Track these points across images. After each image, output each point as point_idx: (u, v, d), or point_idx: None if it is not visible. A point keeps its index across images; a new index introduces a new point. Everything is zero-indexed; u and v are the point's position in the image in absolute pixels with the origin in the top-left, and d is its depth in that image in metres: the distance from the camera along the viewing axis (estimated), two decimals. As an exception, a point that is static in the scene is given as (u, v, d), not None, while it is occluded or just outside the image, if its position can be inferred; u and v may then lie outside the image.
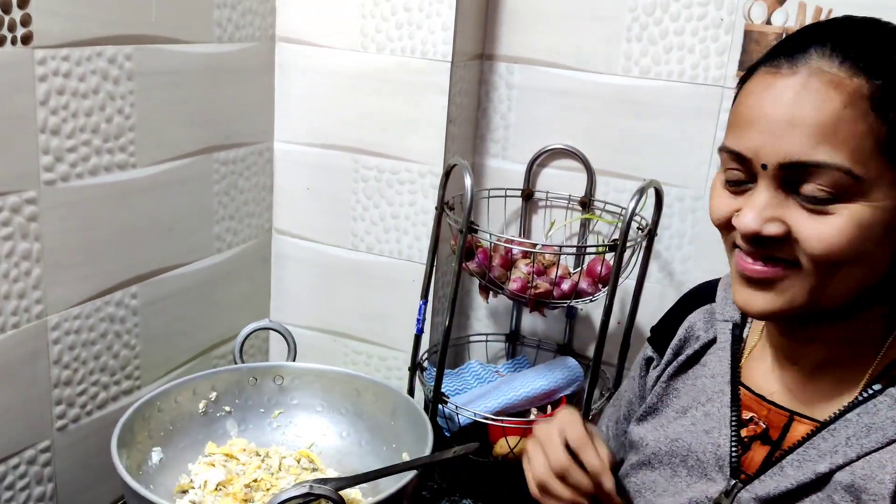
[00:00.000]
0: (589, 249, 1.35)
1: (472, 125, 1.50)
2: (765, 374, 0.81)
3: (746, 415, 0.79)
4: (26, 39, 0.98)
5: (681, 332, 0.90)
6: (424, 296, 1.37)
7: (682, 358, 0.88)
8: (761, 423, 0.78)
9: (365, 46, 1.39)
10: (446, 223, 1.32)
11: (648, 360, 0.95)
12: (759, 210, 0.68)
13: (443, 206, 1.31)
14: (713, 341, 0.86)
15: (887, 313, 0.74)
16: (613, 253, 1.20)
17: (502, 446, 1.32)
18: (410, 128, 1.40)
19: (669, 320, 0.94)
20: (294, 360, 1.30)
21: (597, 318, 1.50)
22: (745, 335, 0.86)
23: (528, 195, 1.49)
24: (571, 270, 1.37)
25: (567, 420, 0.82)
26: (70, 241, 1.10)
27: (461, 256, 1.25)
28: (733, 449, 0.78)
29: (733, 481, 0.77)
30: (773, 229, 0.68)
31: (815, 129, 0.65)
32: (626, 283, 1.28)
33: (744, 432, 0.78)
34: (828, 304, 0.70)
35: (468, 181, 1.20)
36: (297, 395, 1.28)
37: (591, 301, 1.32)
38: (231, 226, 1.43)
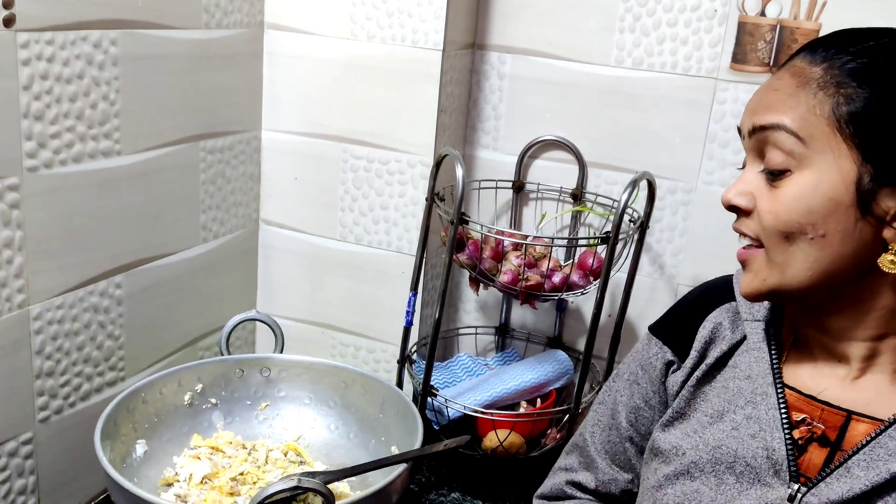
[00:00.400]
0: (580, 242, 1.33)
1: (463, 115, 1.48)
2: (812, 373, 0.79)
3: (797, 416, 0.78)
4: (9, 22, 0.95)
5: (704, 333, 0.87)
6: (414, 288, 1.36)
7: (709, 360, 0.86)
8: (818, 424, 0.76)
9: (355, 34, 1.37)
10: (436, 214, 1.31)
11: (668, 364, 0.90)
12: (738, 183, 0.76)
13: (433, 197, 1.30)
14: (741, 341, 0.84)
15: None
16: (605, 245, 1.19)
17: (491, 440, 1.31)
18: (400, 117, 1.39)
19: (682, 319, 0.90)
20: (281, 352, 1.28)
21: (587, 310, 1.49)
22: (781, 334, 0.84)
23: (519, 187, 1.48)
24: (562, 263, 1.36)
25: None
26: (53, 229, 1.08)
27: (451, 248, 1.23)
28: (790, 452, 0.76)
29: (796, 486, 0.75)
30: (741, 200, 0.75)
31: (769, 102, 0.74)
32: (617, 276, 1.27)
33: (797, 434, 0.77)
34: (795, 283, 0.73)
35: (459, 172, 1.18)
36: (285, 388, 1.27)
37: (583, 294, 1.31)
38: (218, 215, 1.41)
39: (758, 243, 0.75)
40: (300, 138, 1.46)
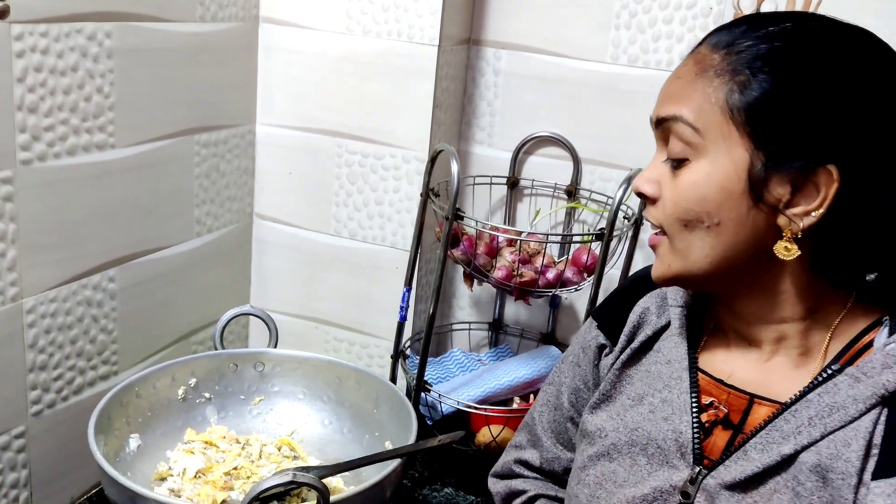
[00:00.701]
0: (575, 238, 1.34)
1: (458, 111, 1.48)
2: (724, 358, 0.81)
3: (706, 399, 0.79)
4: (3, 14, 0.95)
5: (633, 318, 0.89)
6: (408, 283, 1.36)
7: (634, 344, 0.87)
8: (722, 408, 0.78)
9: (350, 29, 1.37)
10: (431, 210, 1.31)
11: (601, 347, 0.92)
12: (647, 171, 0.77)
13: (428, 193, 1.30)
14: (666, 327, 0.86)
15: (812, 293, 0.74)
16: (599, 242, 1.19)
17: (485, 435, 1.31)
18: (396, 112, 1.38)
19: (617, 305, 0.92)
20: (275, 347, 1.28)
21: (580, 307, 1.50)
22: (703, 320, 0.86)
23: (513, 183, 1.48)
24: (556, 259, 1.36)
25: None
26: (47, 222, 1.07)
27: (446, 244, 1.23)
28: (695, 435, 0.78)
29: (698, 468, 0.77)
30: (648, 188, 0.76)
31: (672, 92, 0.75)
32: (611, 272, 1.27)
33: (704, 417, 0.78)
34: (697, 269, 0.74)
35: (455, 167, 1.18)
36: (279, 383, 1.27)
37: (577, 290, 1.31)
38: (212, 210, 1.40)
39: (661, 230, 0.77)
40: (295, 133, 1.46)
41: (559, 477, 0.97)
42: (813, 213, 0.69)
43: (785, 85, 0.68)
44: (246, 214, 1.51)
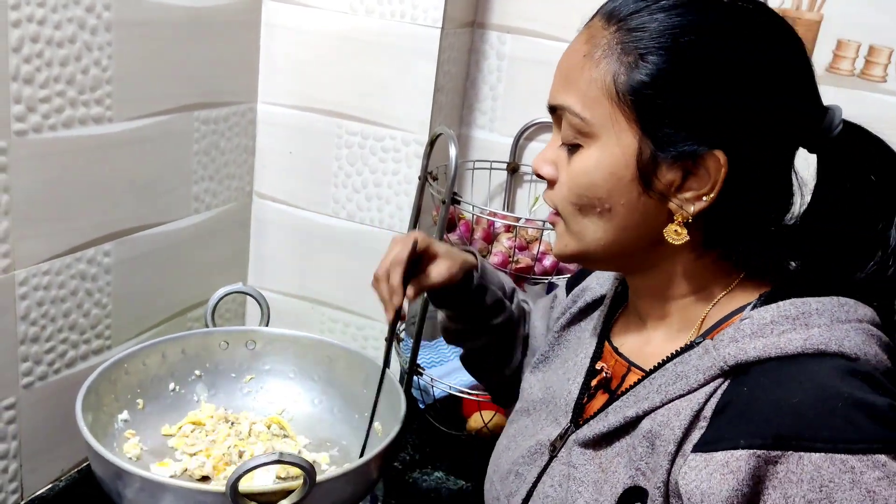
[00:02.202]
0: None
1: (460, 95, 1.47)
2: (623, 328, 0.83)
3: (599, 365, 0.82)
4: (-1, -18, 0.94)
5: (582, 284, 0.93)
6: (404, 266, 1.35)
7: (574, 309, 0.91)
8: (605, 374, 0.80)
9: (354, 8, 1.36)
10: (429, 193, 1.30)
11: (554, 298, 0.98)
12: (545, 152, 0.75)
13: (426, 176, 1.29)
14: (604, 298, 0.88)
15: (700, 272, 0.74)
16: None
17: (476, 420, 1.31)
18: (397, 94, 1.37)
19: (581, 272, 0.98)
20: (267, 326, 1.28)
21: (577, 295, 1.49)
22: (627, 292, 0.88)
23: (513, 169, 1.47)
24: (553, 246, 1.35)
25: (421, 237, 0.94)
26: (41, 194, 1.07)
27: (443, 228, 1.23)
28: (580, 395, 0.81)
29: (569, 426, 0.79)
30: (546, 170, 0.75)
31: (563, 76, 0.72)
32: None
33: (593, 381, 0.80)
34: (592, 250, 0.74)
35: (453, 151, 1.17)
36: (270, 361, 1.26)
37: (573, 278, 1.30)
38: (210, 187, 1.40)
39: (557, 212, 0.76)
40: (295, 112, 1.45)
41: (515, 314, 1.04)
42: (704, 198, 0.68)
43: (677, 65, 0.66)
44: (245, 193, 1.51)
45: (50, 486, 1.19)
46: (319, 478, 0.88)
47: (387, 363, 1.03)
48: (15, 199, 1.03)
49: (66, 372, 1.17)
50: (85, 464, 1.24)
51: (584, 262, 0.80)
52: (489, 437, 1.30)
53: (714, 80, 0.66)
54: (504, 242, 1.29)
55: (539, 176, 0.76)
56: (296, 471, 0.90)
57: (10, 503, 1.13)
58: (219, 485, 0.88)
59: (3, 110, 0.99)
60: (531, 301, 1.09)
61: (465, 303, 0.99)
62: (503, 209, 1.48)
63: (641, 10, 0.68)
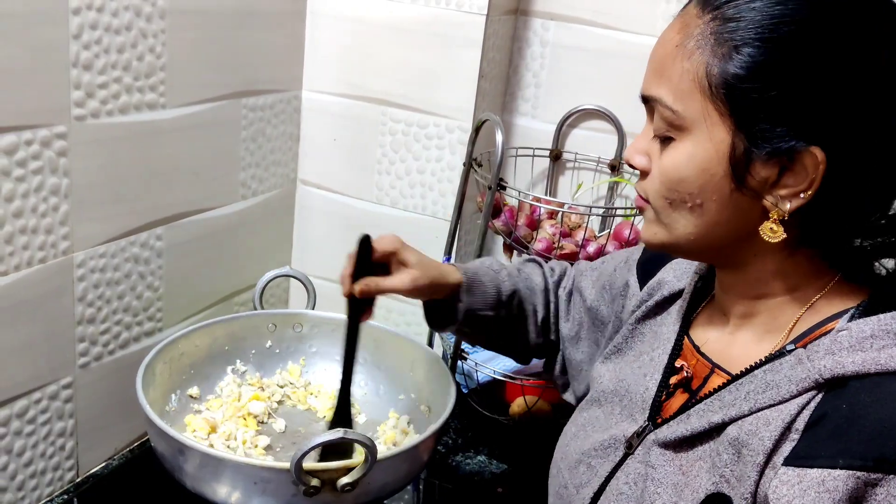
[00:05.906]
0: (618, 212, 1.33)
1: (503, 82, 1.48)
2: (706, 326, 0.82)
3: (679, 363, 0.80)
4: (61, -29, 0.96)
5: (658, 276, 0.90)
6: (448, 252, 1.37)
7: (650, 303, 0.89)
8: (686, 373, 0.79)
9: (399, -4, 1.37)
10: (473, 180, 1.31)
11: (626, 286, 0.95)
12: (639, 141, 0.74)
13: (471, 163, 1.30)
14: (682, 291, 0.86)
15: (794, 272, 0.72)
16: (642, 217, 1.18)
17: (519, 405, 1.32)
18: (441, 82, 1.38)
19: (654, 259, 0.94)
20: (314, 309, 1.30)
21: (619, 282, 1.49)
22: (709, 287, 0.86)
23: (556, 156, 1.47)
24: (597, 233, 1.36)
25: (390, 239, 1.01)
26: (98, 178, 1.09)
27: (488, 213, 1.24)
28: (658, 393, 0.79)
29: (647, 424, 0.78)
30: (638, 160, 0.74)
31: (656, 66, 0.70)
32: (653, 247, 1.27)
33: (672, 379, 0.79)
34: (682, 243, 0.72)
35: (499, 137, 1.18)
36: (316, 343, 1.29)
37: (616, 264, 1.31)
38: (257, 173, 1.42)
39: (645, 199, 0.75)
40: (340, 99, 1.47)
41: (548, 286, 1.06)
42: (801, 195, 0.66)
43: (776, 58, 0.63)
44: (290, 180, 1.53)
45: (104, 463, 1.22)
46: (380, 455, 0.90)
47: (351, 353, 1.03)
48: (74, 183, 1.06)
49: (119, 353, 1.20)
50: (137, 443, 1.27)
51: (672, 252, 0.78)
52: (532, 422, 1.31)
53: (815, 75, 0.63)
54: (548, 229, 1.30)
55: (631, 166, 0.75)
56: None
57: (67, 479, 1.17)
58: (282, 461, 0.90)
59: (63, 96, 1.01)
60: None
61: (455, 322, 1.02)
62: (546, 196, 1.49)
63: None
